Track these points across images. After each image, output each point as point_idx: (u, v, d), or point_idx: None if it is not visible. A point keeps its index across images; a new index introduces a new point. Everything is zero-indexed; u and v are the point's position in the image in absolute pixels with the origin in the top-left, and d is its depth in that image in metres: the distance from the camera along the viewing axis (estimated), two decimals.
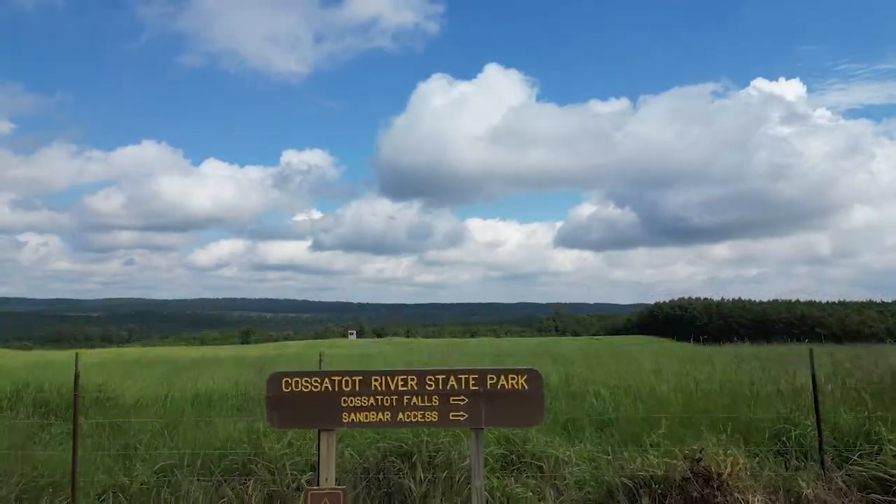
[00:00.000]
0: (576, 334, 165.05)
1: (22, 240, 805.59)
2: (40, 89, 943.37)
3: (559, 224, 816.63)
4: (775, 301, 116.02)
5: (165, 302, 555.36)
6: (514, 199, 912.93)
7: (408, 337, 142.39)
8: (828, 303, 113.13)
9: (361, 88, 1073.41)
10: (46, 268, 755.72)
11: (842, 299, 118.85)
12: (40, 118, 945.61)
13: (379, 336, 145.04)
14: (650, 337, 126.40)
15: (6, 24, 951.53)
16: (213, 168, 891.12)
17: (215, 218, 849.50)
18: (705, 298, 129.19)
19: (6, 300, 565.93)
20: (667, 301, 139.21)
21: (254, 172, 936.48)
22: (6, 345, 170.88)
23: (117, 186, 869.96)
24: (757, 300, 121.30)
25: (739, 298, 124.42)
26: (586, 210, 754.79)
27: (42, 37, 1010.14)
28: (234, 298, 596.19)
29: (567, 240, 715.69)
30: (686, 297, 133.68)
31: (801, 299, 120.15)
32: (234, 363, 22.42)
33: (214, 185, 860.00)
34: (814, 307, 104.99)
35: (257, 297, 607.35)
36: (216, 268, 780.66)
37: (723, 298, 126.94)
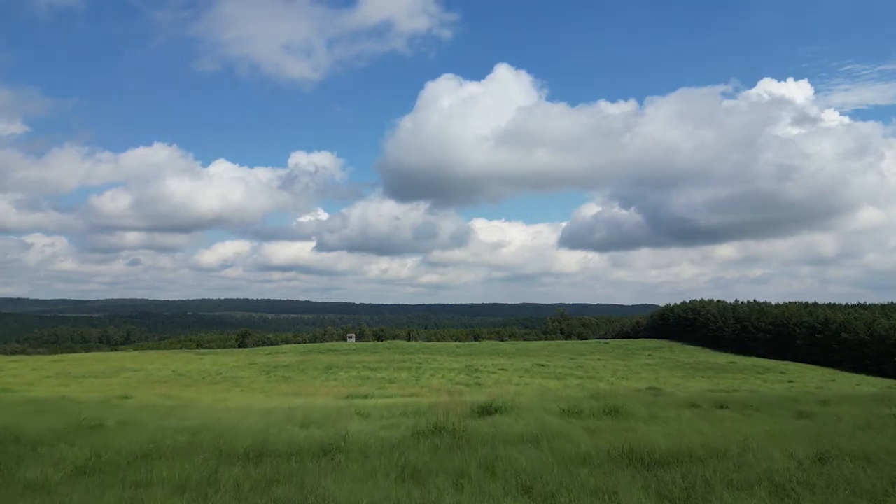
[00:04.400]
0: (582, 337, 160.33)
1: (29, 241, 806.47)
2: (56, 94, 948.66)
3: (564, 224, 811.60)
4: (794, 303, 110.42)
5: (167, 303, 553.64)
6: (520, 199, 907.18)
7: (409, 340, 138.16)
8: (849, 305, 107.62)
9: (372, 92, 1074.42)
10: (52, 268, 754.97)
11: (861, 301, 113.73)
12: (54, 121, 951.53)
13: (379, 339, 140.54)
14: (662, 341, 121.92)
15: (24, 31, 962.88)
16: (223, 169, 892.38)
17: (222, 218, 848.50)
18: (719, 301, 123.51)
19: (11, 301, 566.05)
20: (678, 303, 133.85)
21: (262, 174, 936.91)
22: (8, 345, 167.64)
23: (125, 187, 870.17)
24: (773, 302, 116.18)
25: (755, 300, 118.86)
26: (591, 210, 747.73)
27: (59, 42, 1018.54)
28: (237, 299, 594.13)
29: (571, 240, 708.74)
30: (699, 298, 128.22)
31: (819, 301, 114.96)
32: None
33: (223, 186, 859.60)
34: (837, 310, 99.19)
35: (261, 297, 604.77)
36: (221, 268, 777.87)
37: (737, 301, 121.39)
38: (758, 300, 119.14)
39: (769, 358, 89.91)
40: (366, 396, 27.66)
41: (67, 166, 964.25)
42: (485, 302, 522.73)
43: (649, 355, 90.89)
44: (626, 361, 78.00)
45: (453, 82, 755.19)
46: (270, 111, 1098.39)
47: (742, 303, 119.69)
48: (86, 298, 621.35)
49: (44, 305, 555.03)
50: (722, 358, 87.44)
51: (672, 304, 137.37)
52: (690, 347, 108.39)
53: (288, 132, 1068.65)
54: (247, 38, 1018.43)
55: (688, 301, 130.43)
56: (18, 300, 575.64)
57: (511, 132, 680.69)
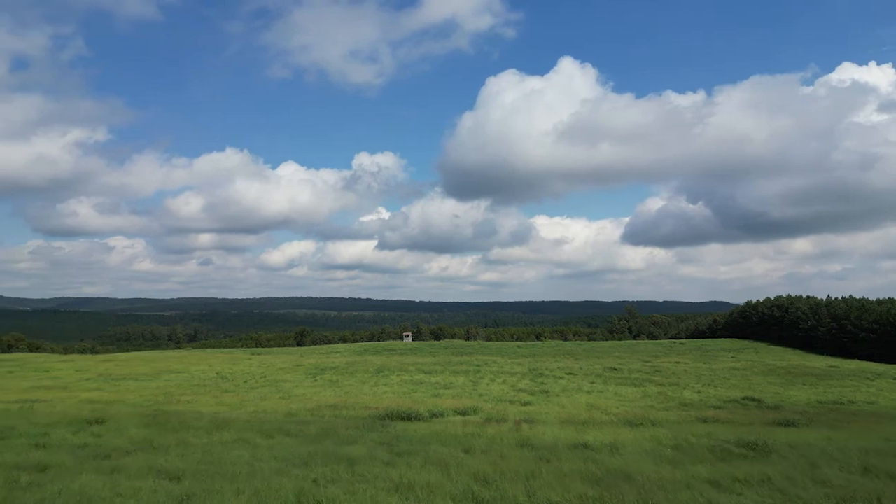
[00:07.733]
0: (652, 336, 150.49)
1: (111, 244, 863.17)
2: (138, 104, 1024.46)
3: (627, 220, 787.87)
4: None
5: (236, 301, 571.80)
6: (583, 195, 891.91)
7: (467, 339, 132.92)
8: None
9: (434, 92, 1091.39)
10: (131, 269, 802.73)
11: None
12: (135, 129, 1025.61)
13: (437, 338, 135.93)
14: (744, 341, 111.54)
15: (110, 44, 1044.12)
16: (291, 171, 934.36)
17: (289, 219, 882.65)
18: (809, 297, 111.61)
19: (93, 300, 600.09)
20: (761, 300, 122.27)
21: (327, 175, 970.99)
22: (78, 344, 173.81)
23: (198, 191, 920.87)
24: (873, 298, 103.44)
25: (852, 296, 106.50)
26: (656, 205, 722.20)
27: (141, 54, 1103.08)
28: (301, 297, 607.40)
29: (635, 236, 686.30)
30: (785, 294, 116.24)
31: None
32: None
33: (291, 188, 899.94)
34: None
35: (324, 295, 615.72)
36: (287, 267, 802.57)
37: (830, 297, 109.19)
38: (855, 296, 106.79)
39: (875, 361, 79.31)
40: (409, 417, 22.43)
41: (146, 172, 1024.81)
42: (545, 299, 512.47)
43: (733, 357, 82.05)
44: (708, 364, 69.86)
45: (515, 78, 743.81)
46: (336, 114, 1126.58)
47: (837, 299, 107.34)
48: (162, 297, 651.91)
49: (122, 304, 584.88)
50: (819, 361, 77.60)
51: (754, 300, 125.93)
52: (779, 349, 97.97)
53: (352, 134, 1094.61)
54: (315, 45, 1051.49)
55: (772, 297, 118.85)
56: (102, 299, 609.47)
57: (574, 126, 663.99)
